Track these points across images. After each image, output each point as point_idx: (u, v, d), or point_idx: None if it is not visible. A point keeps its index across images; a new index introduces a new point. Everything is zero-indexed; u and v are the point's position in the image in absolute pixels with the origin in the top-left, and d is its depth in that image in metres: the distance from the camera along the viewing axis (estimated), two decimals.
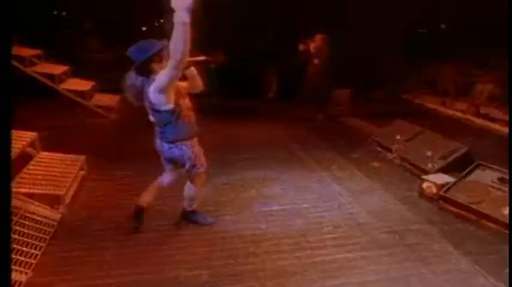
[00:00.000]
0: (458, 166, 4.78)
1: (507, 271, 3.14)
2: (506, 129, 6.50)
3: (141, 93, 3.15)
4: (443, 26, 9.83)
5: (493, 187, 4.16)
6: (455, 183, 4.36)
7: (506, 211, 3.78)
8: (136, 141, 6.34)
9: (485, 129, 6.70)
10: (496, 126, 6.78)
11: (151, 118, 3.30)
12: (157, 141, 3.41)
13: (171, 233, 3.70)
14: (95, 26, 10.92)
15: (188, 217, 3.83)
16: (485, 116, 7.24)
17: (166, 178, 3.68)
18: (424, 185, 4.50)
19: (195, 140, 3.42)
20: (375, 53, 8.67)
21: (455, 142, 5.29)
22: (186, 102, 3.31)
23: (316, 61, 7.48)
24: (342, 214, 4.09)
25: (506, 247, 3.50)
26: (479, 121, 7.14)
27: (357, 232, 3.75)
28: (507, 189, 4.06)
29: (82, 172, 4.80)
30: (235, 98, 9.14)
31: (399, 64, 8.73)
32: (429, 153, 5.23)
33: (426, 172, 4.87)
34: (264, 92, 9.70)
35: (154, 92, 3.04)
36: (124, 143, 6.36)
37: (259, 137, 6.68)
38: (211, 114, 6.92)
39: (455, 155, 5.07)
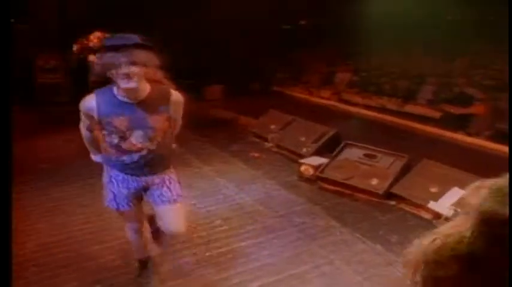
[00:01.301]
0: (329, 147, 5.22)
1: (381, 233, 3.53)
2: (365, 112, 7.28)
3: None
4: (303, 22, 10.53)
5: (360, 162, 4.63)
6: (328, 163, 4.75)
7: (373, 182, 4.24)
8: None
9: (348, 113, 7.37)
10: (356, 110, 7.51)
11: None
12: None
13: (52, 251, 3.39)
14: None
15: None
16: (346, 102, 7.98)
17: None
18: (302, 168, 4.80)
19: (121, 175, 2.66)
20: (246, 50, 8.95)
21: (324, 126, 5.74)
22: (140, 133, 2.51)
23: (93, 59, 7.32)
24: (230, 206, 4.17)
25: (378, 213, 3.94)
26: (341, 106, 7.84)
27: (246, 221, 3.85)
28: (372, 163, 4.55)
29: None
30: None
31: (269, 59, 9.15)
32: (303, 138, 5.59)
33: (302, 156, 5.20)
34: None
35: None
36: None
37: None
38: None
39: (325, 138, 5.51)
